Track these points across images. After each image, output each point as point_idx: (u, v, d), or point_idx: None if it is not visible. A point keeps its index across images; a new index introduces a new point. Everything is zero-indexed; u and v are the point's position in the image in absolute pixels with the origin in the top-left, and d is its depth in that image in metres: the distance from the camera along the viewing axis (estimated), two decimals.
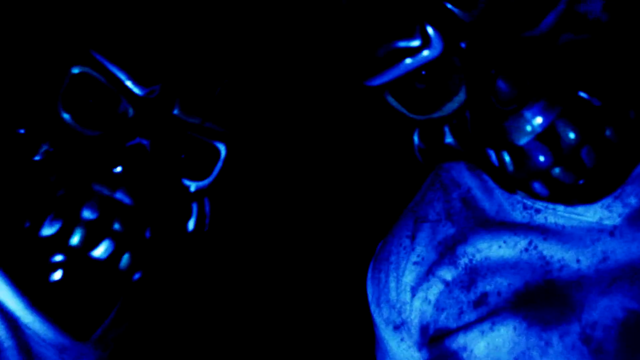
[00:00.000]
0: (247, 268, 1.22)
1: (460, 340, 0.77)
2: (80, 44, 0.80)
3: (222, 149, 0.85)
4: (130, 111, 0.80)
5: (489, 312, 0.77)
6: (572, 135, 0.68)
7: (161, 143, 0.80)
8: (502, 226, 0.80)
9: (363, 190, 1.28)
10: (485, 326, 0.76)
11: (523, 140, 0.68)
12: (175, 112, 0.80)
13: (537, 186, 0.71)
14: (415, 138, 0.78)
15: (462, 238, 0.82)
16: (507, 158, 0.71)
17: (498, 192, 0.82)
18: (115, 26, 0.80)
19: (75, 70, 0.80)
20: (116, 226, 0.77)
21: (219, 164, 0.85)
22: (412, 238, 0.86)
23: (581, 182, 0.69)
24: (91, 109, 0.80)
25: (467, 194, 0.85)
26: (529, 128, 0.68)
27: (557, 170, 0.69)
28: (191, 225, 0.84)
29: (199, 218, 0.85)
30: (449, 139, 0.75)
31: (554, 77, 0.67)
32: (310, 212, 1.26)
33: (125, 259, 0.79)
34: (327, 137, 1.23)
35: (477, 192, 0.84)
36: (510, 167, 0.71)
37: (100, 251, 0.78)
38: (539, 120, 0.67)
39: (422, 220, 0.87)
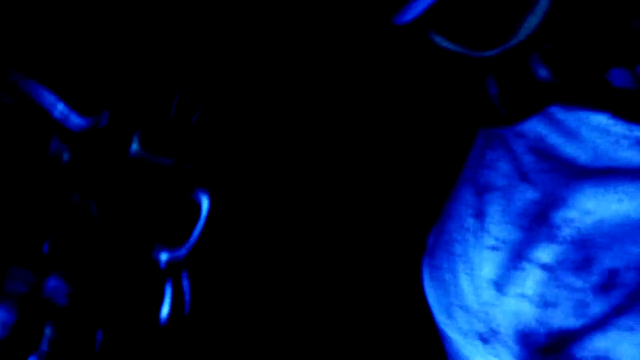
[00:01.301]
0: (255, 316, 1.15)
1: (597, 344, 0.70)
2: None
3: (205, 201, 0.77)
4: (65, 154, 0.72)
5: (628, 297, 0.69)
6: None
7: (113, 200, 0.71)
8: (610, 174, 0.71)
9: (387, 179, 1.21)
10: (630, 320, 0.68)
11: None
12: (134, 148, 0.73)
13: None
14: (491, 86, 0.69)
15: (554, 201, 0.73)
16: None
17: (585, 130, 0.73)
18: (36, 27, 0.72)
19: None
20: (47, 330, 0.69)
21: (200, 223, 0.78)
22: (479, 215, 0.78)
23: None
24: (4, 153, 0.71)
25: (540, 143, 0.76)
26: None
27: None
28: (165, 311, 0.77)
29: (176, 301, 0.77)
30: (542, 72, 0.66)
31: None
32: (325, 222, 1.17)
33: None
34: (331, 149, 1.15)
35: (554, 137, 0.75)
36: None
37: None
38: None
39: (486, 189, 0.78)
